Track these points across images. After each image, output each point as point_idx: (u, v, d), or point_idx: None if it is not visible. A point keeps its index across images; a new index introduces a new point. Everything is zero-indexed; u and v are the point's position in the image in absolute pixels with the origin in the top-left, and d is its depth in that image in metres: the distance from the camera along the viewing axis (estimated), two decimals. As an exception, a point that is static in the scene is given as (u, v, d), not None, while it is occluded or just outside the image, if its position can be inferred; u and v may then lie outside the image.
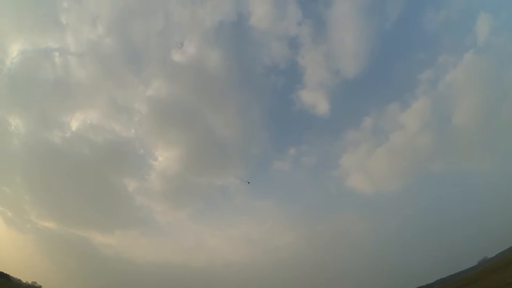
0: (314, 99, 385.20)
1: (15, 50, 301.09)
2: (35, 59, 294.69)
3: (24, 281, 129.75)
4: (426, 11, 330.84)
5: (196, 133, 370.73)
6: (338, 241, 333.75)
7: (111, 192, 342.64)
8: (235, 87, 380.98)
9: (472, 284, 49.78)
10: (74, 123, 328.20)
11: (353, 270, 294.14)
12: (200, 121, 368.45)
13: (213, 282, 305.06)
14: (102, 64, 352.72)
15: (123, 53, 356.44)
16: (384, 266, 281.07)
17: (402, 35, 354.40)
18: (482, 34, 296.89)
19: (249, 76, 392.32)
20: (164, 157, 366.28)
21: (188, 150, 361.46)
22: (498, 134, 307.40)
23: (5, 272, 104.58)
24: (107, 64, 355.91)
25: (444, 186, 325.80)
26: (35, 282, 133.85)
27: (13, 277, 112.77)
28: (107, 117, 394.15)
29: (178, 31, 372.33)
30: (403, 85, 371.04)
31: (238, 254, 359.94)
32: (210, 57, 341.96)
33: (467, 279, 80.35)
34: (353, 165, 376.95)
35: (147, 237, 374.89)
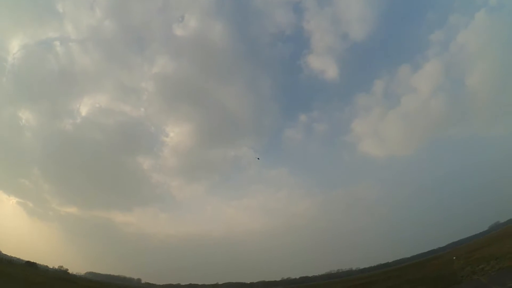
0: (323, 64, 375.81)
1: (15, 45, 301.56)
2: (36, 52, 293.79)
3: (51, 267, 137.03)
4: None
5: (205, 107, 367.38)
6: (353, 207, 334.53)
7: (127, 172, 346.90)
8: (242, 58, 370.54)
9: (484, 248, 49.43)
10: (84, 109, 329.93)
11: (368, 236, 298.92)
12: (208, 95, 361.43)
13: (232, 250, 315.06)
14: (104, 47, 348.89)
15: (124, 34, 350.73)
16: (398, 232, 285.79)
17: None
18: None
19: (255, 46, 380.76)
20: (176, 133, 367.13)
21: (199, 124, 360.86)
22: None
23: (32, 261, 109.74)
24: (109, 47, 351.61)
25: (457, 150, 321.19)
26: (61, 266, 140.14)
27: (40, 264, 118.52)
28: (115, 99, 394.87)
29: (177, 5, 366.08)
30: (414, 46, 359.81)
31: (255, 223, 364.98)
32: (213, 29, 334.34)
33: (479, 243, 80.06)
34: (365, 130, 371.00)
35: (165, 213, 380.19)
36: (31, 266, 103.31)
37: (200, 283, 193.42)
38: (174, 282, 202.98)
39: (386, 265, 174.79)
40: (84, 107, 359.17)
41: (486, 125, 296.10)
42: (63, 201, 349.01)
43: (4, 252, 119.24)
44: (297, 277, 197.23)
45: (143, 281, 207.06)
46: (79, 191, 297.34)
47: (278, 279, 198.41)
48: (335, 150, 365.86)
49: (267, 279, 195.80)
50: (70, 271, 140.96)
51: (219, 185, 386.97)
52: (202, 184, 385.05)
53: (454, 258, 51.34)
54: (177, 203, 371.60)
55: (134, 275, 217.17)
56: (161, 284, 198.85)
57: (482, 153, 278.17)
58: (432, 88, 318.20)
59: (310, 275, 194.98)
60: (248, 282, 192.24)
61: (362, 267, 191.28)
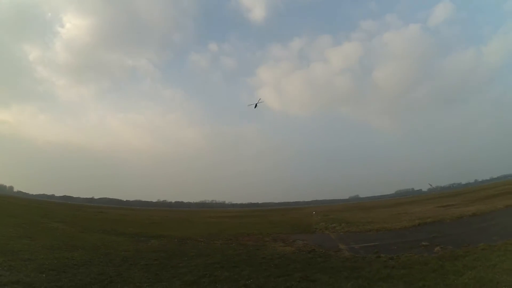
0: (253, 3, 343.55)
1: None
2: None
3: None
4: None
5: (115, 3, 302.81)
6: (237, 147, 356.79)
7: (8, 59, 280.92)
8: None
9: (340, 212, 53.75)
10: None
11: (245, 176, 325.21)
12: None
13: (112, 165, 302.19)
14: None
15: None
16: (271, 180, 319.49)
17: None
18: (437, 18, 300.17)
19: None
20: (73, 25, 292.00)
21: (103, 21, 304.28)
22: (406, 109, 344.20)
23: None
24: None
25: (344, 128, 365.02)
26: None
27: None
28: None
29: None
30: (343, 22, 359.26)
31: (139, 141, 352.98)
32: None
33: (337, 207, 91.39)
34: (269, 79, 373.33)
35: (46, 113, 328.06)
36: None
37: (75, 195, 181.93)
38: (49, 193, 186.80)
39: (256, 205, 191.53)
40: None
41: (375, 116, 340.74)
42: None
43: None
44: (173, 201, 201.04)
45: (15, 189, 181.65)
46: None
47: (154, 200, 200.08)
48: (235, 89, 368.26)
49: (143, 199, 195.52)
50: None
51: (108, 93, 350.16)
52: (90, 88, 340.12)
53: (313, 212, 54.99)
54: (60, 105, 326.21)
55: (6, 182, 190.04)
56: (35, 193, 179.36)
57: (364, 137, 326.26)
58: (342, 66, 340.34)
59: (185, 201, 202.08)
60: (125, 200, 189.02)
61: (234, 202, 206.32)
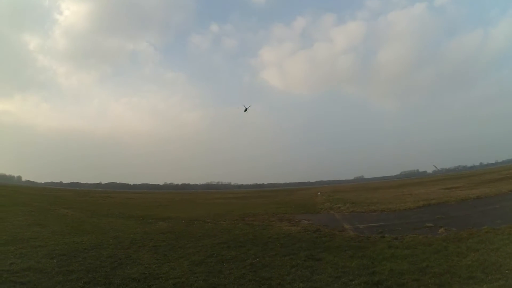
0: None
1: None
2: None
3: None
4: None
5: None
6: (241, 127, 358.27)
7: (9, 50, 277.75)
8: None
9: (345, 192, 54.06)
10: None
11: (248, 156, 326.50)
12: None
13: (118, 150, 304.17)
14: None
15: None
16: (276, 159, 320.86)
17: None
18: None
19: None
20: (72, 12, 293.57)
21: (101, 5, 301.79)
22: (411, 90, 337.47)
23: None
24: None
25: (346, 107, 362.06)
26: None
27: None
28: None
29: None
30: (348, 1, 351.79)
31: (143, 125, 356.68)
32: None
33: (343, 187, 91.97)
34: (272, 59, 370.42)
35: (49, 102, 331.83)
36: None
37: (83, 181, 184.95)
38: (56, 180, 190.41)
39: (261, 185, 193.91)
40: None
41: (379, 96, 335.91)
42: None
43: None
44: (179, 183, 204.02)
45: (23, 179, 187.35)
46: None
47: (161, 183, 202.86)
48: (238, 70, 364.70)
49: (150, 183, 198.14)
50: None
51: (110, 79, 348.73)
52: (91, 74, 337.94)
53: (319, 193, 55.38)
54: (63, 93, 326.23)
55: (14, 172, 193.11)
56: (43, 182, 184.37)
57: (369, 118, 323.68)
58: (346, 46, 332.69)
59: (191, 183, 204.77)
60: (132, 184, 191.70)
61: (240, 183, 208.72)
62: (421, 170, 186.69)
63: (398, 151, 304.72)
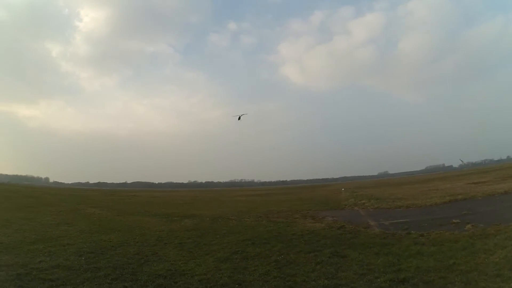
0: None
1: None
2: None
3: None
4: None
5: None
6: (263, 124, 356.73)
7: (34, 59, 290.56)
8: None
9: (370, 188, 53.16)
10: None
11: (272, 154, 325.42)
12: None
13: (142, 150, 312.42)
14: None
15: None
16: (300, 157, 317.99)
17: None
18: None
19: None
20: (91, 18, 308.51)
21: (118, 11, 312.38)
22: (434, 81, 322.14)
23: None
24: None
25: (369, 101, 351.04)
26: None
27: None
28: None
29: None
30: None
31: (166, 124, 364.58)
32: None
33: (367, 183, 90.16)
34: (291, 55, 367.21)
35: (73, 106, 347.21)
36: None
37: (109, 181, 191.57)
38: (83, 181, 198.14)
39: (284, 182, 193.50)
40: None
41: (401, 88, 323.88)
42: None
43: None
44: (203, 181, 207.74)
45: (51, 180, 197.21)
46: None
47: (185, 181, 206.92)
48: (257, 66, 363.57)
49: (174, 181, 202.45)
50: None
51: (132, 81, 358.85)
52: (113, 78, 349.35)
53: (342, 189, 54.69)
54: (86, 97, 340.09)
55: (42, 174, 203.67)
56: (70, 182, 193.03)
57: (391, 111, 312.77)
58: (366, 38, 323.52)
59: (215, 180, 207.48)
60: (156, 182, 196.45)
61: (263, 180, 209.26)
62: (447, 164, 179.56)
63: (423, 145, 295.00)
